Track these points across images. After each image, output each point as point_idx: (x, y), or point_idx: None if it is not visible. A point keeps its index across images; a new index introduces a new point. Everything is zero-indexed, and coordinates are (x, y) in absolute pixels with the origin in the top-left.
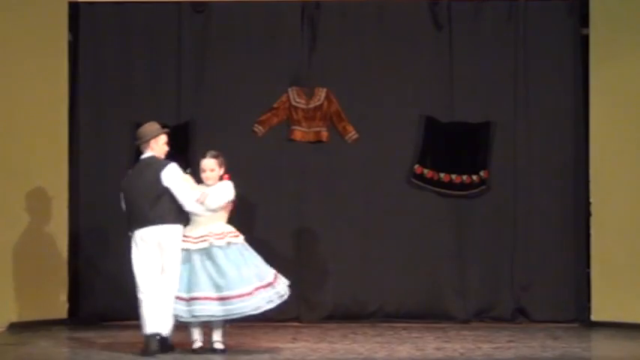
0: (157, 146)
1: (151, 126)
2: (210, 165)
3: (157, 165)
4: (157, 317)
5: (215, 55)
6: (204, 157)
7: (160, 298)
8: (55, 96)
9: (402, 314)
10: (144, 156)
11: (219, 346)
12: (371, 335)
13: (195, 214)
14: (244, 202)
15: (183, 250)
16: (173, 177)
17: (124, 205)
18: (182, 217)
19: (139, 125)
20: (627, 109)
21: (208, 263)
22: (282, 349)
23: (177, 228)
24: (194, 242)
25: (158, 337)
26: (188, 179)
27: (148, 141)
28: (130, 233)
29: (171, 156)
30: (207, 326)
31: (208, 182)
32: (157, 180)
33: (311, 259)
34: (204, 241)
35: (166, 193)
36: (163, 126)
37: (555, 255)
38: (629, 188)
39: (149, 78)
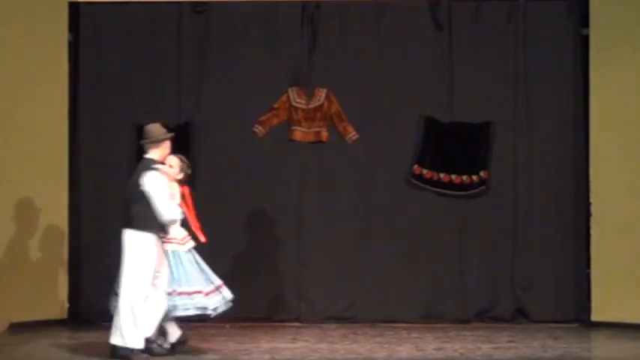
0: (159, 150)
1: (157, 129)
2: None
3: (143, 169)
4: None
5: (215, 55)
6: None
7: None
8: (55, 96)
9: (402, 314)
10: (145, 156)
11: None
12: (371, 335)
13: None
14: (244, 202)
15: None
16: (151, 184)
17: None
18: (149, 224)
19: (141, 126)
20: (627, 109)
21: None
22: (282, 349)
23: (137, 235)
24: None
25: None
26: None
27: (150, 143)
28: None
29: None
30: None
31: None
32: (137, 184)
33: (311, 259)
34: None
35: (142, 198)
36: (166, 127)
37: (555, 255)
38: (629, 188)
39: (149, 78)
